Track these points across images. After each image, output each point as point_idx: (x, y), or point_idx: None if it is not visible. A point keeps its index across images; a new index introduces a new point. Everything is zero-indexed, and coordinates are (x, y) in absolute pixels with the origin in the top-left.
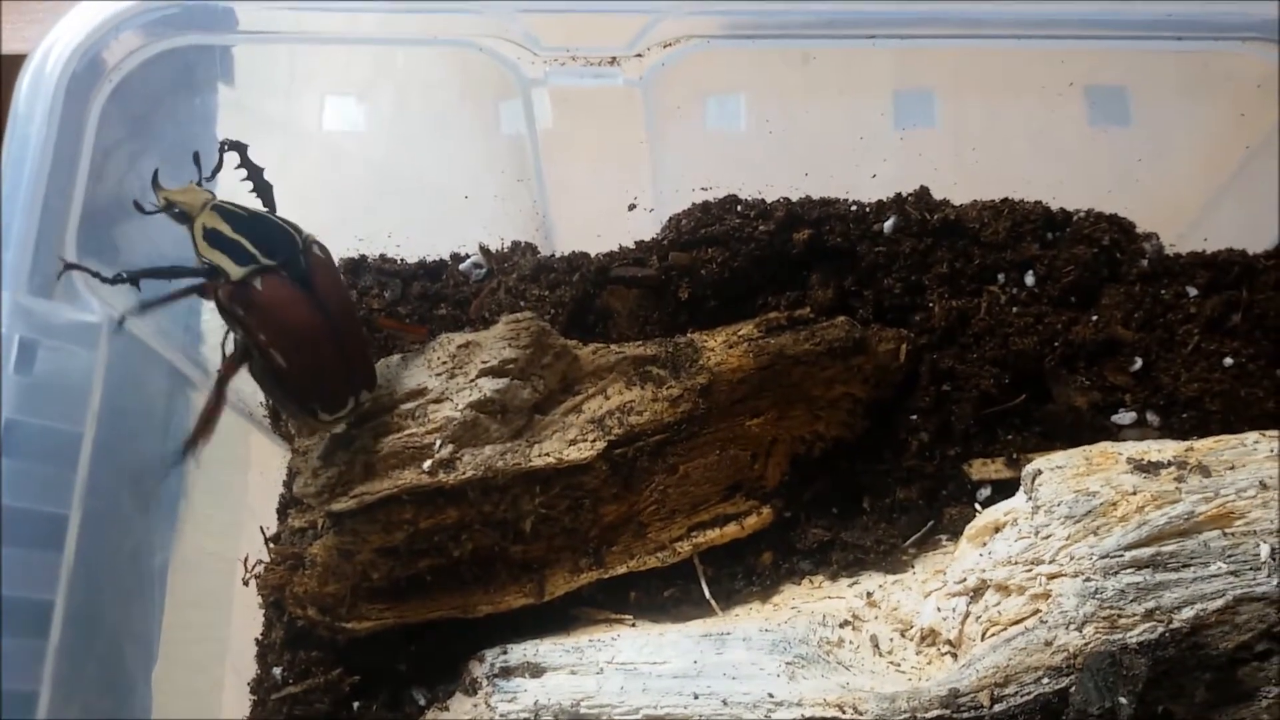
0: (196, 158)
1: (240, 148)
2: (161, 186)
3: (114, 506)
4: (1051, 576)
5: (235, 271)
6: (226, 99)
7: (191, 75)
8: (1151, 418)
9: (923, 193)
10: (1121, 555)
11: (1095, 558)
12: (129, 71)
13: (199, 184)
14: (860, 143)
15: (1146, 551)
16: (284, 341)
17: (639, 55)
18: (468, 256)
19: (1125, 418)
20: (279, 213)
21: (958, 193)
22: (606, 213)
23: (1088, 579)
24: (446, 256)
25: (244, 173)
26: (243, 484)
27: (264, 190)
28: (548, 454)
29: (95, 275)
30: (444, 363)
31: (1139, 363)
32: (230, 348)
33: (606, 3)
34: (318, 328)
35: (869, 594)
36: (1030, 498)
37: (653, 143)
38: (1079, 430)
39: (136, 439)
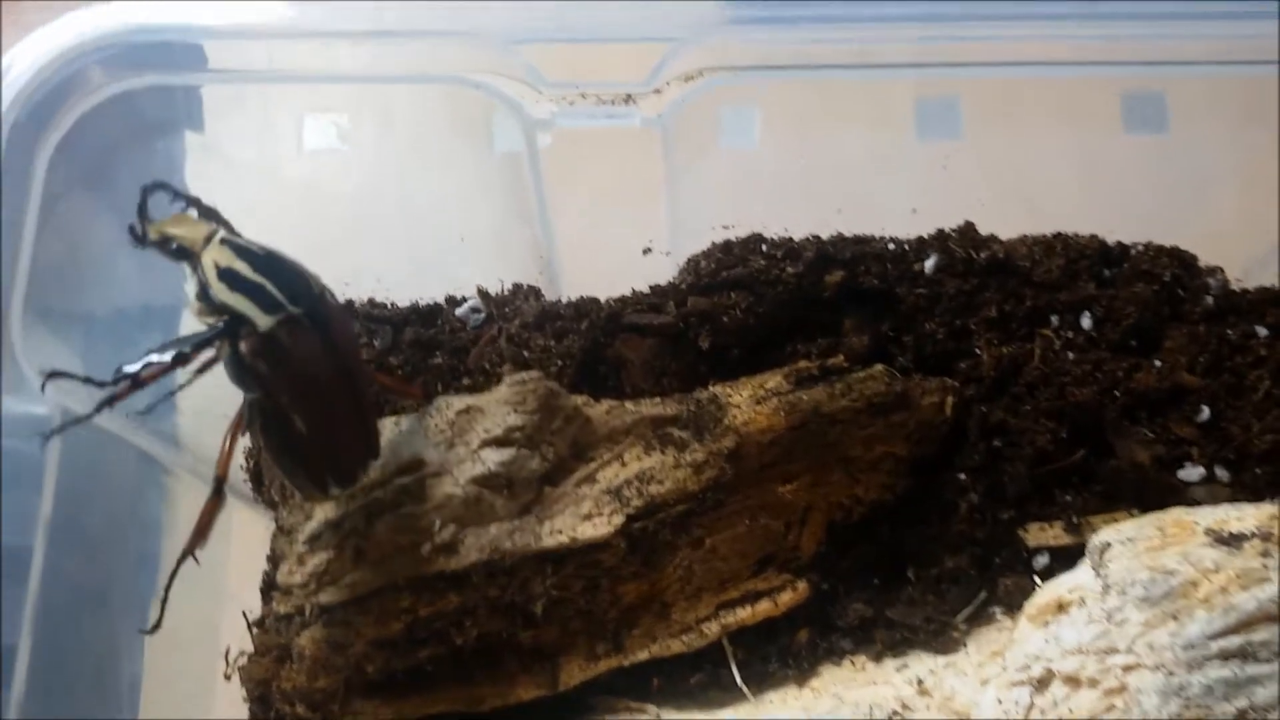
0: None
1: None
2: (150, 218)
3: (73, 629)
4: (1127, 668)
5: (263, 321)
6: (194, 142)
7: (153, 118)
8: (1221, 473)
9: (967, 228)
10: (1207, 645)
11: (1178, 648)
12: (82, 115)
13: (191, 213)
14: (897, 175)
15: (1235, 640)
16: (308, 403)
17: (657, 91)
18: (464, 300)
19: (1192, 474)
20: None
21: (1005, 227)
22: (618, 255)
23: (1170, 673)
24: (441, 300)
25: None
26: (222, 561)
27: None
28: (560, 531)
29: (88, 381)
30: (442, 430)
31: (1206, 412)
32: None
33: (624, 15)
34: (340, 386)
35: (920, 680)
36: (1099, 574)
37: (672, 183)
38: (1143, 488)
39: (98, 548)
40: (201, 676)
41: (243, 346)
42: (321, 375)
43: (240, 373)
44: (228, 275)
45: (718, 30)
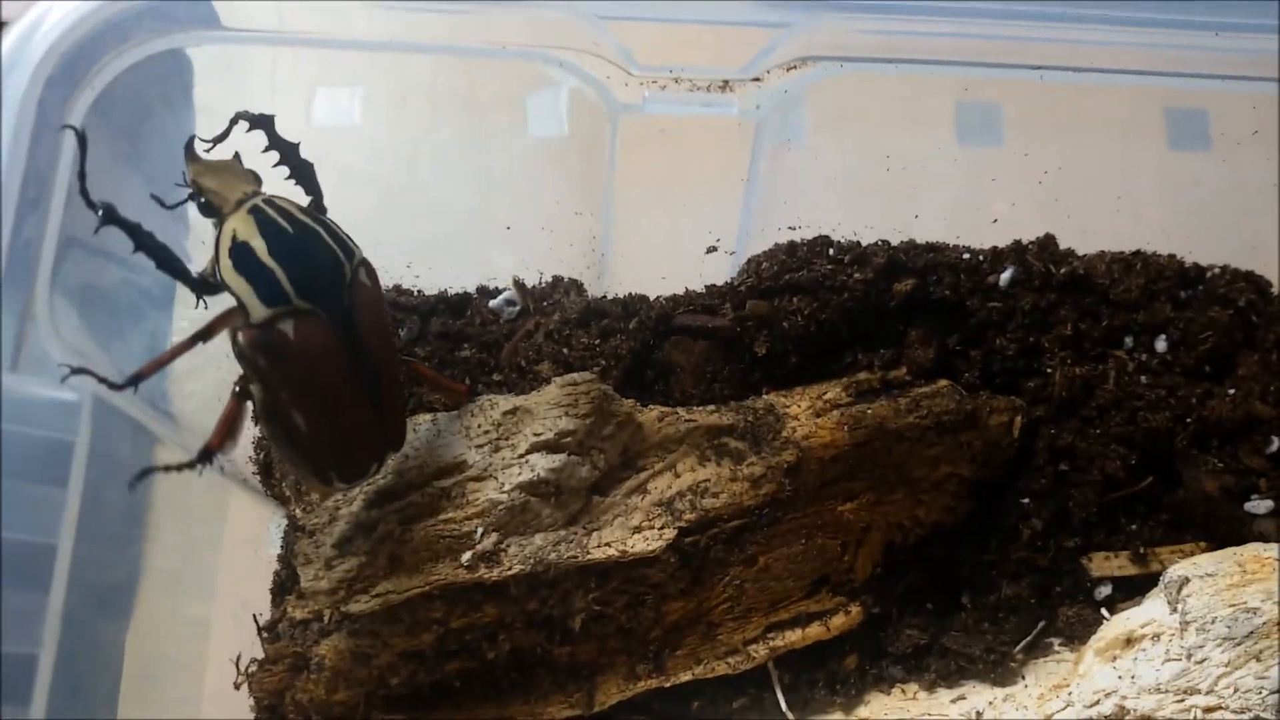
0: (190, 146)
1: (265, 122)
2: (196, 158)
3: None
4: (1210, 710)
5: (258, 312)
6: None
7: (175, 82)
8: None
9: (1048, 241)
10: None
11: (1265, 692)
12: (110, 81)
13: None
14: (983, 184)
15: None
16: (310, 402)
17: (756, 80)
18: (499, 291)
19: (1260, 506)
20: (326, 206)
21: (1085, 241)
22: (671, 251)
23: (1256, 718)
24: (472, 289)
25: (273, 158)
26: (213, 552)
27: (303, 174)
28: (608, 544)
29: (103, 382)
30: (486, 432)
31: (1276, 443)
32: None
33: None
34: (352, 384)
35: (978, 713)
36: (1176, 610)
37: (753, 178)
38: (1212, 520)
39: (108, 546)
40: (188, 674)
41: (239, 338)
42: (330, 373)
43: (240, 361)
44: (239, 252)
45: (828, 17)
